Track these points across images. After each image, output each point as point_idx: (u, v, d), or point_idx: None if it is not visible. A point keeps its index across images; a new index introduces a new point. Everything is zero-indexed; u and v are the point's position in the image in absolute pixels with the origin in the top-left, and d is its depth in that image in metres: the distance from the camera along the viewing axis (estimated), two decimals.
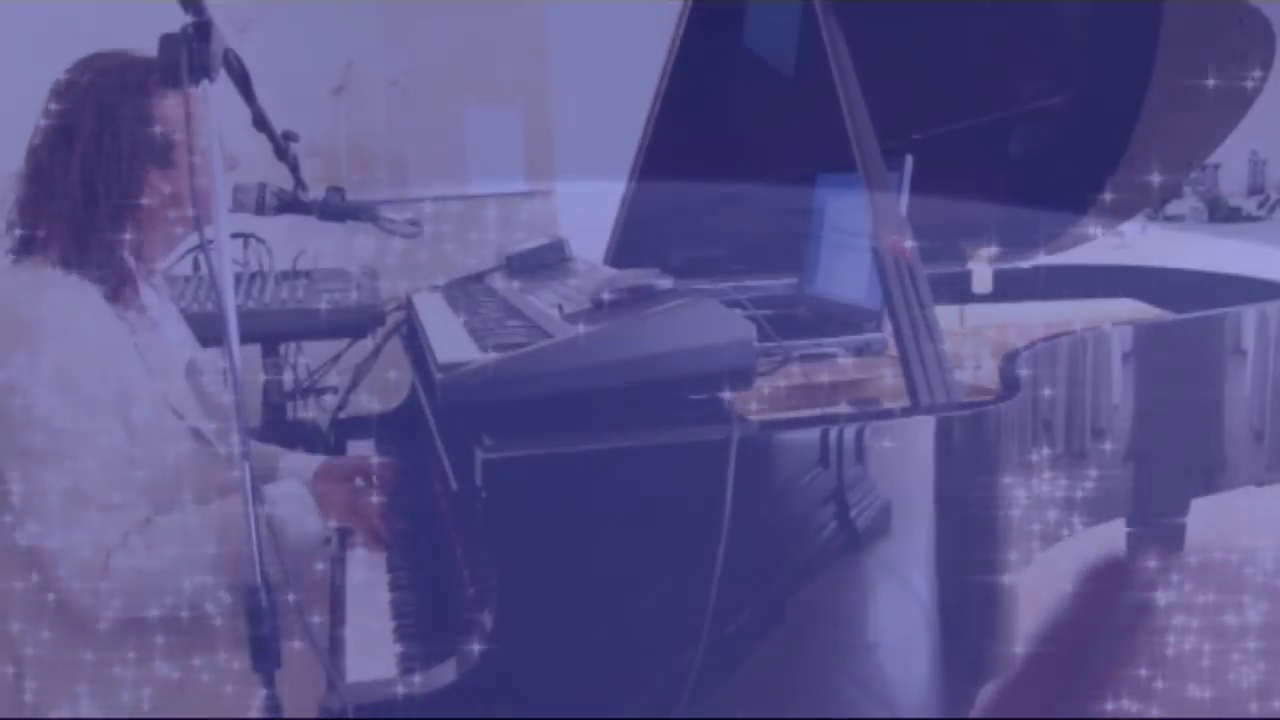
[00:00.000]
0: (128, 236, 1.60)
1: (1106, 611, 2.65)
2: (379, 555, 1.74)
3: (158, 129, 1.58)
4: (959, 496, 1.54)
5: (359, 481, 1.79)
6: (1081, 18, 2.54)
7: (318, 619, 1.58)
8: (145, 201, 1.59)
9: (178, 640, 1.55)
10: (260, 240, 2.98)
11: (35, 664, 1.56)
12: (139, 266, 1.64)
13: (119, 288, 1.59)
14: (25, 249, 1.59)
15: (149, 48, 1.29)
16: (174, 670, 1.56)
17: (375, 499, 1.76)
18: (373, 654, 1.46)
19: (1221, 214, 13.11)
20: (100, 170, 1.56)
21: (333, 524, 1.69)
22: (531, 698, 1.37)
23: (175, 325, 1.78)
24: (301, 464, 1.91)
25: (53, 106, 1.59)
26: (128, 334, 1.59)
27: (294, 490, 1.68)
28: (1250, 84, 2.45)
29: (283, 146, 1.96)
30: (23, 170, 1.61)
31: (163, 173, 1.60)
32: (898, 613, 1.52)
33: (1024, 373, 1.80)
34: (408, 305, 2.21)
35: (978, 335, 2.29)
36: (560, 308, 1.67)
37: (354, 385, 2.42)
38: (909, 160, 1.92)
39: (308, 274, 3.04)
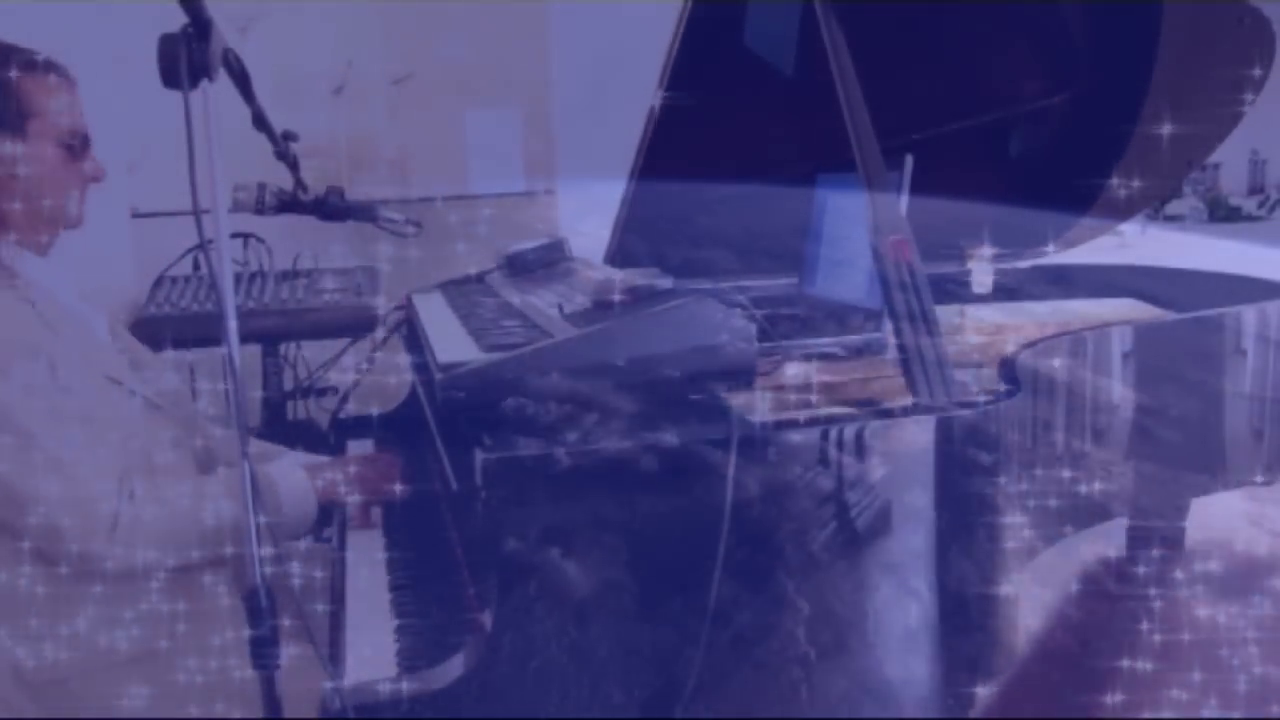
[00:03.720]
0: None
1: (1107, 611, 2.65)
2: (379, 555, 1.74)
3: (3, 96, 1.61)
4: (959, 496, 1.54)
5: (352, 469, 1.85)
6: (1081, 17, 2.54)
7: (318, 619, 1.58)
8: None
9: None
10: (260, 240, 2.98)
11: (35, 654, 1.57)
12: (7, 238, 1.66)
13: None
14: None
15: (149, 47, 1.29)
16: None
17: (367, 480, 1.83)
18: (373, 654, 1.46)
19: (1221, 214, 13.09)
20: None
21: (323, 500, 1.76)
22: (531, 697, 1.37)
23: (81, 307, 1.80)
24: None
25: None
26: (28, 306, 1.62)
27: (292, 468, 1.76)
28: (1250, 84, 2.45)
29: (283, 146, 1.97)
30: None
31: (7, 137, 1.62)
32: (898, 613, 1.52)
33: (1024, 373, 1.80)
34: (408, 305, 2.21)
35: (978, 335, 2.29)
36: (560, 308, 1.68)
37: (354, 385, 2.42)
38: (909, 160, 1.91)
39: (308, 274, 3.05)
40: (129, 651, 1.57)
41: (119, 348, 1.80)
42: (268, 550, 1.23)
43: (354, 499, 1.81)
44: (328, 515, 1.85)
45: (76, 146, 1.67)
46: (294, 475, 1.75)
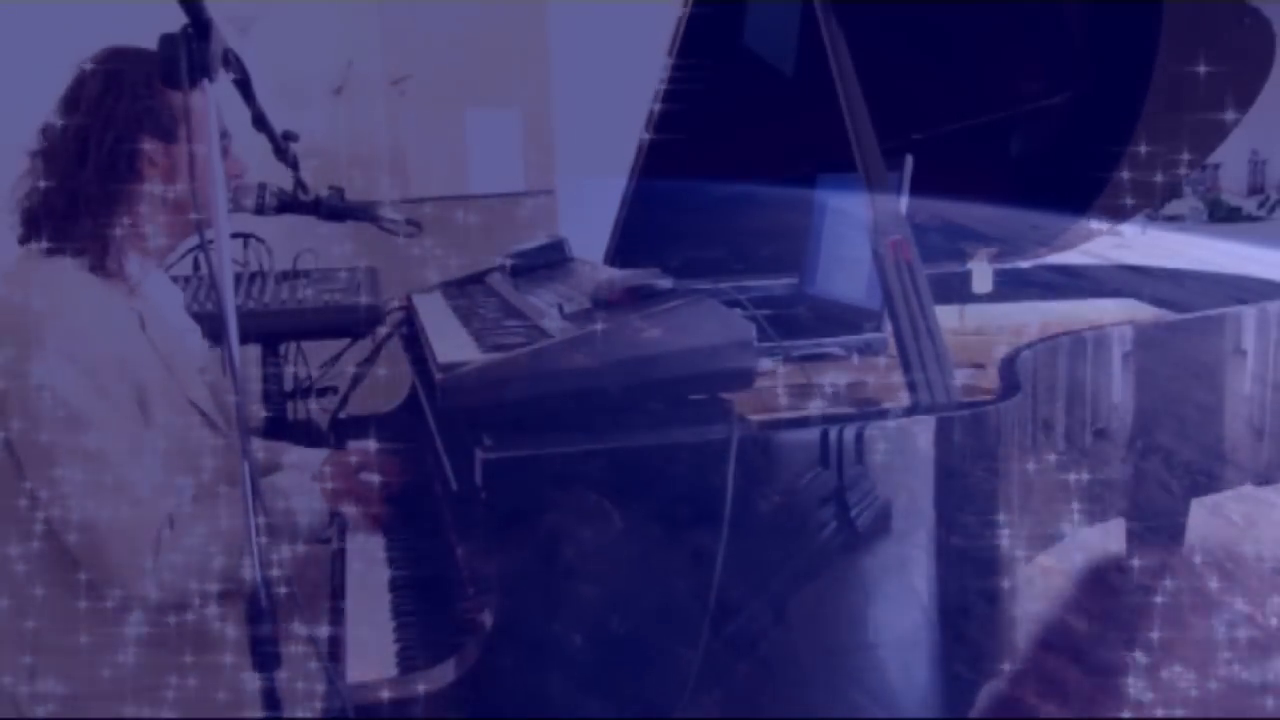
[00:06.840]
0: (121, 212, 1.59)
1: (1107, 610, 2.65)
2: (379, 555, 1.74)
3: (163, 101, 1.57)
4: (959, 496, 1.54)
5: (363, 473, 1.83)
6: (1081, 17, 2.55)
7: (318, 619, 1.58)
8: (141, 171, 1.59)
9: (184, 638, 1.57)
10: (260, 240, 2.98)
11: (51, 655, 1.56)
12: (136, 249, 1.63)
13: (103, 259, 1.58)
14: (25, 234, 1.60)
15: (149, 47, 1.29)
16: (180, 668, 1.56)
17: (374, 482, 1.80)
18: (373, 654, 1.46)
19: (1221, 214, 13.07)
20: (95, 125, 1.56)
21: (332, 507, 1.74)
22: (531, 698, 1.37)
23: (183, 320, 1.79)
24: (306, 458, 1.92)
25: (69, 84, 1.61)
26: (138, 324, 1.60)
27: (302, 483, 1.74)
28: (1250, 84, 2.45)
29: (283, 146, 1.97)
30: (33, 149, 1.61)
31: (162, 146, 1.59)
32: (898, 613, 1.52)
33: (1024, 373, 1.80)
34: (408, 305, 2.21)
35: (978, 335, 2.29)
36: (560, 308, 1.67)
37: (354, 385, 2.42)
38: (909, 160, 1.92)
39: (308, 274, 3.04)
40: (130, 684, 1.54)
41: (208, 377, 1.76)
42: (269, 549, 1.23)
43: (361, 505, 1.80)
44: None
45: (226, 145, 1.63)
46: (304, 485, 1.74)
